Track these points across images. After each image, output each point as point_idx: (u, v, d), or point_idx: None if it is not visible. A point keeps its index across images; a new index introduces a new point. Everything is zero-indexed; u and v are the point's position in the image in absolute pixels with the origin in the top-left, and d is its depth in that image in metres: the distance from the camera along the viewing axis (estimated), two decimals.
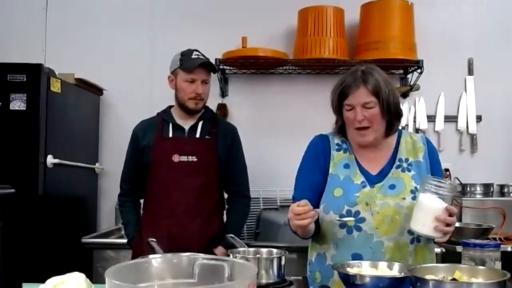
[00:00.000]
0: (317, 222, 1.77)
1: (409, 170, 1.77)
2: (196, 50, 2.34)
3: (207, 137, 2.34)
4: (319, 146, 1.88)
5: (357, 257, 1.68)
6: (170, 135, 2.34)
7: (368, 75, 1.73)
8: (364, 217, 1.71)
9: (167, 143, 2.32)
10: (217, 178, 2.35)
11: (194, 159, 2.28)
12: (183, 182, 2.27)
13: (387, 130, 1.80)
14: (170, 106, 2.43)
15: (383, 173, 1.79)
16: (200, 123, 2.36)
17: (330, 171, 1.81)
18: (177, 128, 2.35)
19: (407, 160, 1.80)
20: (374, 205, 1.71)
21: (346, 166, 1.81)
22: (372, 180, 1.77)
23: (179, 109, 2.36)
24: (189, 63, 2.28)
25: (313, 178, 1.83)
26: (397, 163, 1.80)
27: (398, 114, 1.79)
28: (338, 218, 1.71)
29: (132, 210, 2.42)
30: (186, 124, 2.35)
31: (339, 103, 1.78)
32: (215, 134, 2.35)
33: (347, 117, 1.78)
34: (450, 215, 1.55)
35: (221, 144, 2.35)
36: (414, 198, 1.69)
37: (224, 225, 2.40)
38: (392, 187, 1.74)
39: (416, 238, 1.72)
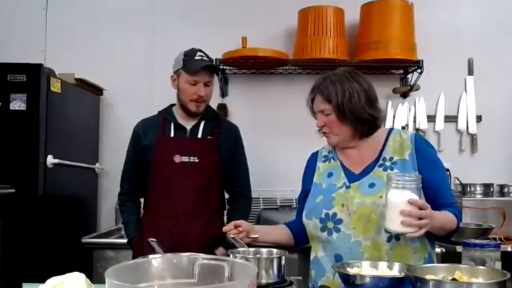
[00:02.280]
0: (301, 233, 1.89)
1: (391, 169, 1.75)
2: (200, 51, 2.29)
3: (209, 137, 2.32)
4: (306, 167, 1.99)
5: (338, 257, 1.71)
6: (172, 134, 2.31)
7: (323, 83, 1.79)
8: (341, 218, 1.73)
9: (169, 143, 2.29)
10: (219, 179, 2.34)
11: (196, 159, 2.26)
12: (184, 182, 2.24)
13: (356, 133, 1.80)
14: (172, 105, 2.41)
15: (365, 172, 1.79)
16: (202, 123, 2.33)
17: (314, 180, 1.89)
18: (179, 128, 2.32)
19: (391, 158, 1.78)
20: (351, 204, 1.72)
21: (330, 174, 1.86)
22: (353, 178, 1.79)
23: (181, 109, 2.34)
24: (192, 64, 2.24)
25: (302, 205, 1.93)
26: (380, 161, 1.79)
27: (361, 118, 1.77)
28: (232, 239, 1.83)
29: (133, 210, 2.40)
30: (188, 124, 2.33)
31: (311, 109, 1.88)
32: (217, 135, 2.33)
33: None
34: (420, 208, 1.50)
35: (223, 144, 2.33)
36: None
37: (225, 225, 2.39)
38: (371, 185, 1.74)
39: (395, 237, 1.69)
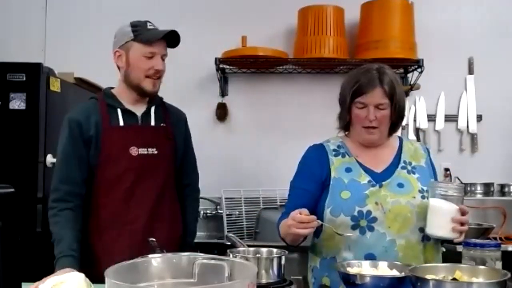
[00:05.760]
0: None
1: (413, 173, 1.79)
2: (148, 21, 1.99)
3: (162, 124, 2.03)
4: (313, 155, 1.86)
5: (370, 256, 1.66)
6: (121, 123, 1.96)
7: (384, 76, 1.74)
8: (376, 217, 1.70)
9: (121, 133, 1.94)
10: (174, 172, 2.06)
11: (155, 151, 1.96)
12: (145, 179, 1.94)
13: (390, 130, 1.84)
14: (110, 88, 2.06)
15: (388, 172, 1.79)
16: (153, 109, 2.02)
17: (333, 175, 1.78)
18: (128, 114, 1.98)
19: (410, 163, 1.82)
20: (386, 203, 1.70)
21: (348, 170, 1.78)
22: (377, 177, 1.76)
23: (130, 91, 1.98)
24: (149, 34, 1.92)
25: (308, 186, 1.81)
26: (402, 164, 1.81)
27: (403, 116, 1.84)
28: (337, 232, 1.67)
29: (70, 222, 1.86)
30: (138, 110, 2.00)
31: (350, 100, 1.77)
32: (169, 122, 2.06)
33: (356, 115, 1.77)
34: (463, 214, 1.60)
35: (176, 132, 2.07)
36: (423, 197, 1.72)
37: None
38: (400, 185, 1.75)
39: (426, 237, 1.72)
